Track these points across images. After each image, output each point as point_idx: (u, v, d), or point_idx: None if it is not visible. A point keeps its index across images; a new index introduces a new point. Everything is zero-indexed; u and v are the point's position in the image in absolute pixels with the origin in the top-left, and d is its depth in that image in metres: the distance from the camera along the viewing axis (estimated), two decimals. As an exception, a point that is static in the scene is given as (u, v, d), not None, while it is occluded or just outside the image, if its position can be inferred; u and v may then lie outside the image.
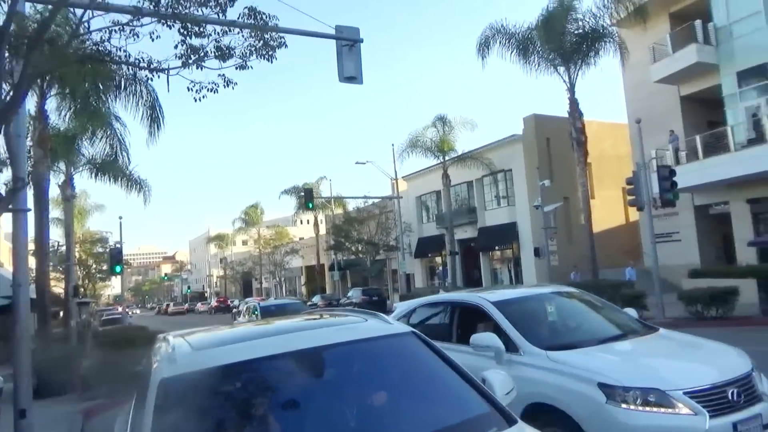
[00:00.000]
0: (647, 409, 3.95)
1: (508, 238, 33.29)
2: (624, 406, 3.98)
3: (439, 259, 40.60)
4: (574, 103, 24.12)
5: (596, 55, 23.75)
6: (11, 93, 5.57)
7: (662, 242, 23.39)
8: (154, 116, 17.52)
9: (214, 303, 68.85)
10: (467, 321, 5.80)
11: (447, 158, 34.08)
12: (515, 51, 24.76)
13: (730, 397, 4.00)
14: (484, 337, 4.94)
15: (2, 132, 6.54)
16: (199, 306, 73.61)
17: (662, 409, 3.93)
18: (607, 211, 31.98)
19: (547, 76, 25.05)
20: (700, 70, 23.52)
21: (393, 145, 36.29)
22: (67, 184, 23.10)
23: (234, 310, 52.56)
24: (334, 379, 3.07)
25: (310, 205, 32.22)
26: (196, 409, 2.81)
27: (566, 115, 24.46)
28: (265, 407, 2.84)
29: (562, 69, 24.13)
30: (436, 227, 39.07)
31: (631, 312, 6.04)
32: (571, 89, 24.10)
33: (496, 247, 35.19)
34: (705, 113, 24.74)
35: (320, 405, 2.89)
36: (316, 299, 39.92)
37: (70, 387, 11.40)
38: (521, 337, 4.93)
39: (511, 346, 4.88)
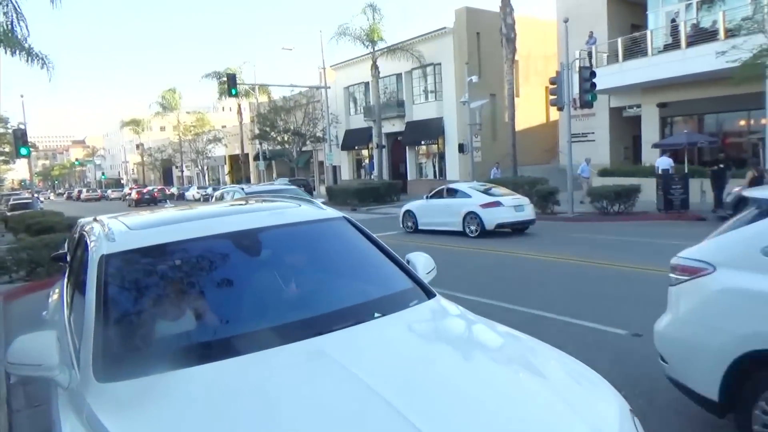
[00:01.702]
0: None
1: (435, 133, 33.73)
2: None
3: (366, 152, 40.75)
4: (507, -4, 23.80)
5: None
6: None
7: (577, 142, 24.52)
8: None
9: (127, 191, 67.42)
10: None
11: (376, 48, 33.22)
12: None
13: None
14: None
15: None
16: (110, 193, 72.27)
17: None
18: (530, 109, 32.83)
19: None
20: (629, -31, 23.64)
21: (321, 31, 34.81)
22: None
23: (127, 197, 51.68)
24: (272, 258, 3.25)
25: (234, 92, 30.76)
26: (137, 286, 2.93)
27: (498, 10, 24.19)
28: (205, 284, 2.99)
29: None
30: (363, 119, 38.79)
31: None
32: (506, -19, 23.68)
33: (423, 142, 35.63)
34: (630, 16, 25.19)
35: (258, 282, 3.08)
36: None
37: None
38: None
39: None
